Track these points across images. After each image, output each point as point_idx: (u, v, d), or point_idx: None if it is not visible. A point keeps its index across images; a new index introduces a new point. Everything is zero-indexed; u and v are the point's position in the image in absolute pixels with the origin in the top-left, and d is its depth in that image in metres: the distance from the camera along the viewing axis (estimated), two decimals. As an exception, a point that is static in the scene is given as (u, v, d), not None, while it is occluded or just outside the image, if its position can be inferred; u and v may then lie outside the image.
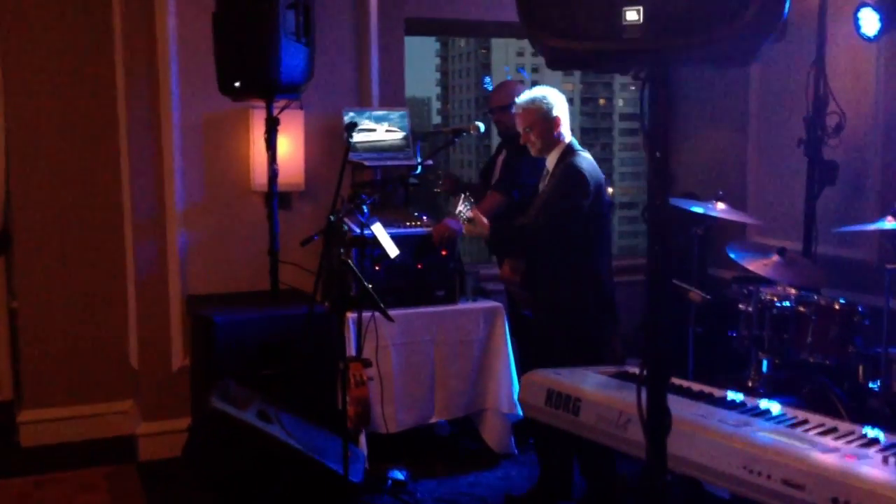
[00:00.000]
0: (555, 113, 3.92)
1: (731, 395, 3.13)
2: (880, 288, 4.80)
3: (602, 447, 2.87)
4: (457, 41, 54.25)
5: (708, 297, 3.80)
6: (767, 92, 5.60)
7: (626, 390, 2.87)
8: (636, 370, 3.34)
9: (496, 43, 52.33)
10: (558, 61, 1.57)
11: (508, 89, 4.95)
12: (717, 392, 3.18)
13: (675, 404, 2.78)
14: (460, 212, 3.84)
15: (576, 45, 1.49)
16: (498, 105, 4.92)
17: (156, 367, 4.86)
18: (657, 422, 1.67)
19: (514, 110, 4.05)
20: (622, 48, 1.45)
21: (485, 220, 3.87)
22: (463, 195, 3.89)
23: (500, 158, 4.99)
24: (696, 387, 3.25)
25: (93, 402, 5.15)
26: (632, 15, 1.45)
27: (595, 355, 3.88)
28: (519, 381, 4.68)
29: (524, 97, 3.99)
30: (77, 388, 5.10)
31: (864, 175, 4.91)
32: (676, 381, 3.32)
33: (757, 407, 3.00)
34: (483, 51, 52.68)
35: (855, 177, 4.94)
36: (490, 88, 5.04)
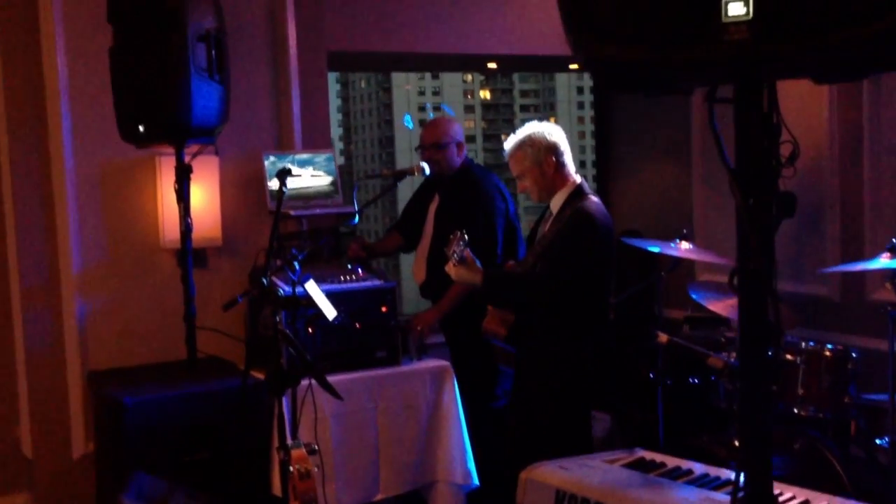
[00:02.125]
0: (547, 153, 3.51)
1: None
2: (843, 326, 4.57)
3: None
4: (358, 82, 54.06)
5: (733, 362, 3.35)
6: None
7: (654, 488, 2.42)
8: (654, 456, 2.97)
9: (397, 83, 52.47)
10: (616, 78, 1.14)
11: (442, 126, 4.56)
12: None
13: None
14: (454, 252, 3.38)
15: (652, 56, 1.06)
16: (431, 143, 4.49)
17: (53, 456, 4.21)
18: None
19: (506, 157, 3.65)
20: (723, 56, 1.02)
21: (478, 265, 3.42)
22: (459, 232, 3.43)
23: (433, 207, 4.56)
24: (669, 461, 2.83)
25: (-21, 498, 4.45)
26: (736, 8, 1.03)
27: (584, 426, 3.52)
28: (472, 447, 4.24)
29: (511, 141, 3.59)
30: (-40, 482, 4.39)
31: (821, 205, 4.68)
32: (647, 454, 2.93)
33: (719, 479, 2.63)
34: (384, 91, 52.64)
35: (811, 208, 4.71)
36: (410, 126, 4.59)
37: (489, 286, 3.42)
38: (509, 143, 3.59)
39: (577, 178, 3.55)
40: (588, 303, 3.46)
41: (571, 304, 3.42)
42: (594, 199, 3.50)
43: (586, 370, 3.46)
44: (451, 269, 3.44)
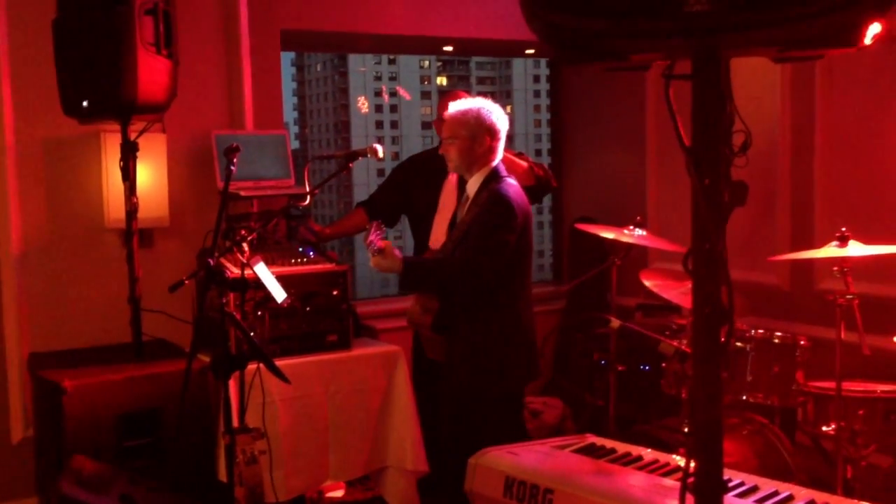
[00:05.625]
0: (486, 133, 3.47)
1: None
2: (792, 315, 4.62)
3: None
4: (313, 65, 53.57)
5: (685, 350, 3.34)
6: (666, 109, 5.36)
7: (604, 474, 2.40)
8: (604, 442, 2.96)
9: (353, 67, 52.07)
10: (573, 50, 1.10)
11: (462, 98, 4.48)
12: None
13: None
14: (371, 242, 3.33)
15: (609, 27, 1.02)
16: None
17: (-9, 441, 4.10)
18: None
19: (444, 116, 3.61)
20: (681, 27, 0.99)
21: (397, 254, 3.38)
22: (375, 222, 3.39)
23: (452, 178, 4.18)
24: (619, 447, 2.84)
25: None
26: (697, -21, 1.00)
27: (516, 408, 3.51)
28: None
29: (459, 105, 3.55)
30: None
31: (773, 194, 4.71)
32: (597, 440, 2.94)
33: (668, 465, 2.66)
34: (340, 75, 52.23)
35: (763, 196, 4.74)
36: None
37: (409, 274, 3.42)
38: (457, 105, 3.57)
39: (495, 162, 3.54)
40: (508, 285, 3.46)
41: (492, 286, 3.43)
42: (510, 181, 3.50)
43: (511, 351, 3.47)
44: (371, 258, 3.44)
